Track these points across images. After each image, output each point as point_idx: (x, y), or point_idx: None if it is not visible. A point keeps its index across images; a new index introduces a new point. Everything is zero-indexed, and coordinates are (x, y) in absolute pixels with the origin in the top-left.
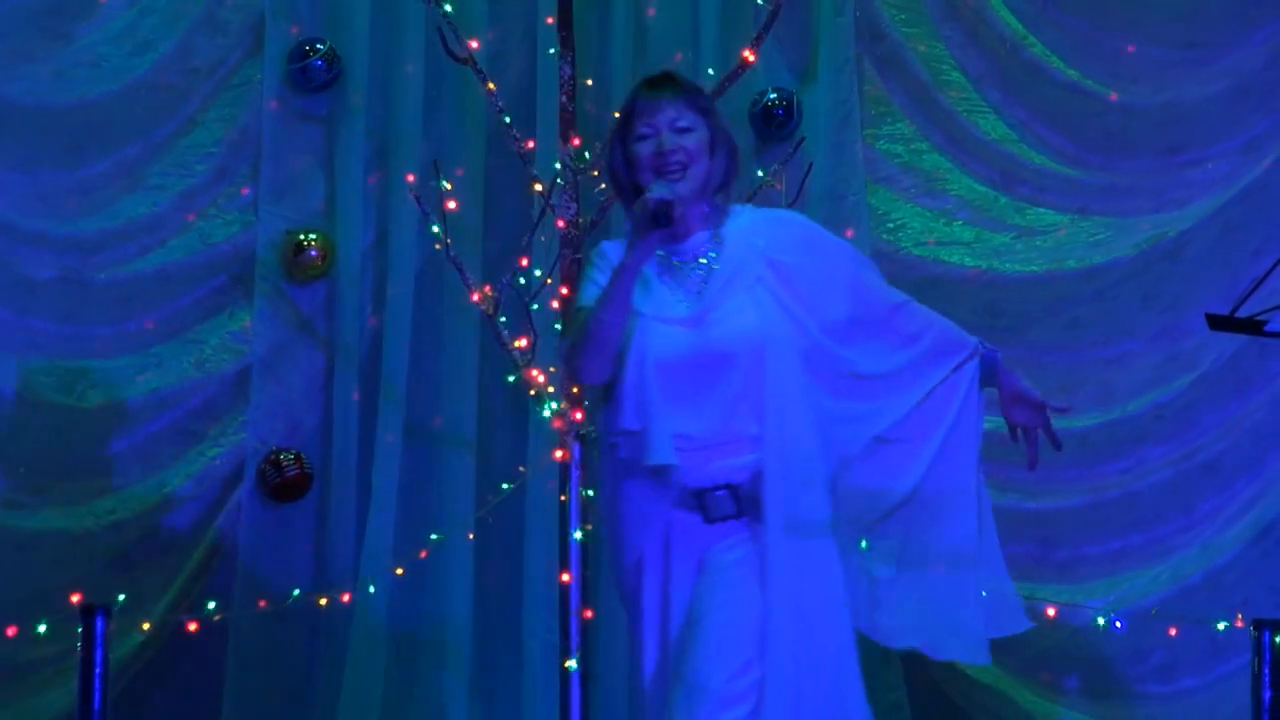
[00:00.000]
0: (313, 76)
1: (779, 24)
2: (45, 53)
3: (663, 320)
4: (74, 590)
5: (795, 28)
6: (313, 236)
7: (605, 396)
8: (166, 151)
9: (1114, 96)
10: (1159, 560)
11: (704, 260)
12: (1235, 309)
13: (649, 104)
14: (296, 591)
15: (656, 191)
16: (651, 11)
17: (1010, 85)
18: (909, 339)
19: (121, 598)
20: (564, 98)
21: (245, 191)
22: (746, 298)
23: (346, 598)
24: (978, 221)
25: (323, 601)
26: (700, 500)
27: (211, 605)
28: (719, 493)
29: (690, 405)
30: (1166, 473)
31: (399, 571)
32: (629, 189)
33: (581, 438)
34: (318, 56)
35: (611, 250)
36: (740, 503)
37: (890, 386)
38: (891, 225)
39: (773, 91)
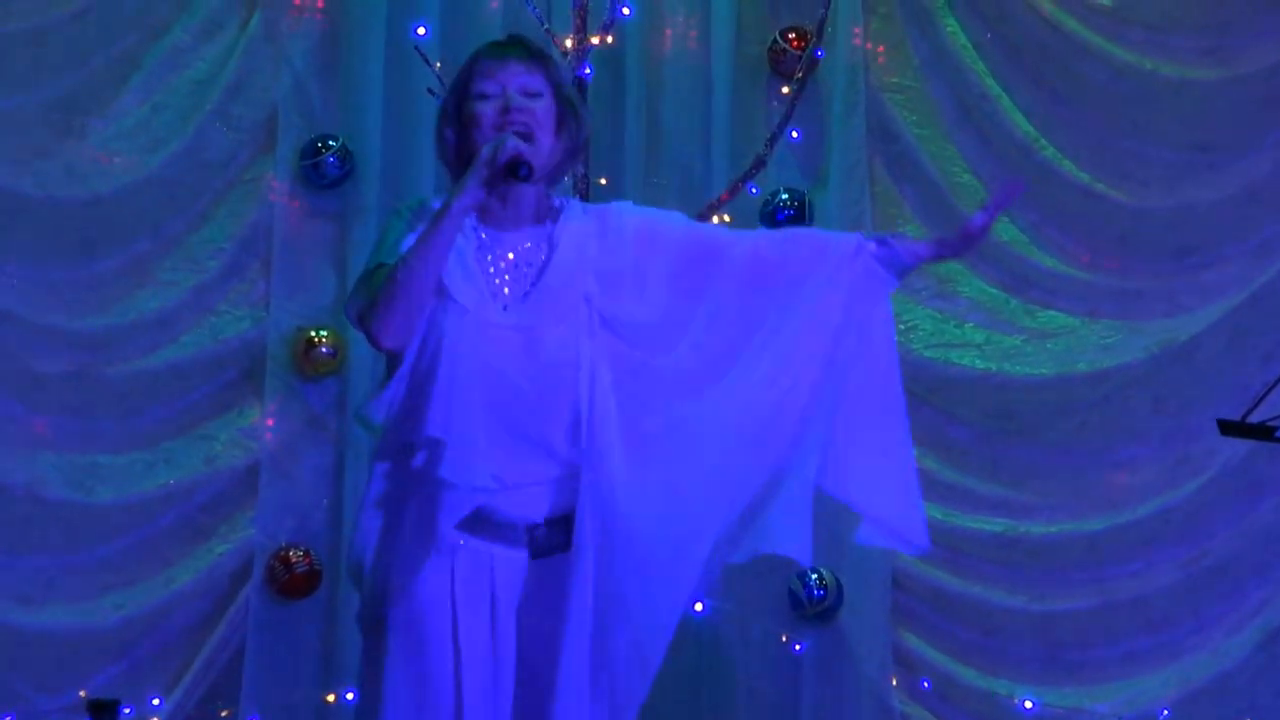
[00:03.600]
0: (325, 173)
1: (791, 124)
2: (57, 147)
3: (480, 319)
4: (81, 686)
5: (807, 128)
6: (324, 333)
7: (392, 390)
8: (178, 247)
9: (1125, 202)
10: (1168, 663)
11: (530, 260)
12: (1246, 415)
13: (494, 61)
14: (305, 689)
15: (515, 141)
16: (664, 110)
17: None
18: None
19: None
20: (577, 196)
21: (257, 287)
22: (573, 314)
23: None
24: (989, 324)
25: (329, 698)
26: (531, 533)
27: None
28: (544, 526)
29: (510, 422)
30: (1176, 576)
31: None
32: (457, 157)
33: None
34: (330, 153)
35: (423, 210)
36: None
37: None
38: (903, 327)
39: (784, 192)
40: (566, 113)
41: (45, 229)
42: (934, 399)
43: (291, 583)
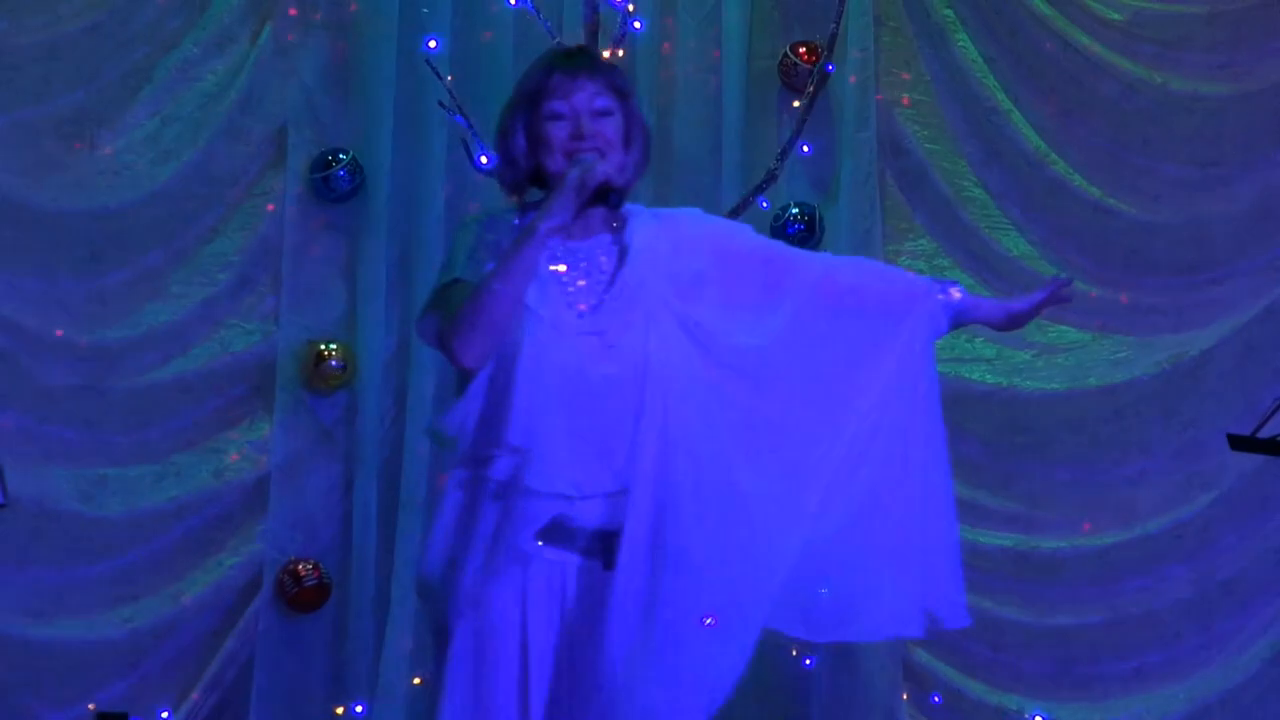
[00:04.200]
0: (335, 186)
1: (801, 138)
2: (68, 160)
3: (558, 327)
4: (90, 699)
5: (817, 142)
6: (334, 346)
7: (469, 402)
8: (188, 260)
9: (1135, 217)
10: (1177, 679)
11: (605, 269)
12: (1257, 429)
13: (565, 80)
14: (315, 702)
15: (604, 166)
16: (675, 123)
17: (1032, 203)
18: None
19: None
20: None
21: (266, 301)
22: (647, 320)
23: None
24: (999, 339)
25: (339, 711)
26: (606, 543)
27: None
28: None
29: (589, 430)
30: (1186, 591)
31: (417, 681)
32: (524, 176)
33: None
34: (340, 166)
35: (492, 223)
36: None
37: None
38: None
39: (795, 206)
40: (634, 125)
41: (55, 241)
42: (945, 414)
43: (301, 596)
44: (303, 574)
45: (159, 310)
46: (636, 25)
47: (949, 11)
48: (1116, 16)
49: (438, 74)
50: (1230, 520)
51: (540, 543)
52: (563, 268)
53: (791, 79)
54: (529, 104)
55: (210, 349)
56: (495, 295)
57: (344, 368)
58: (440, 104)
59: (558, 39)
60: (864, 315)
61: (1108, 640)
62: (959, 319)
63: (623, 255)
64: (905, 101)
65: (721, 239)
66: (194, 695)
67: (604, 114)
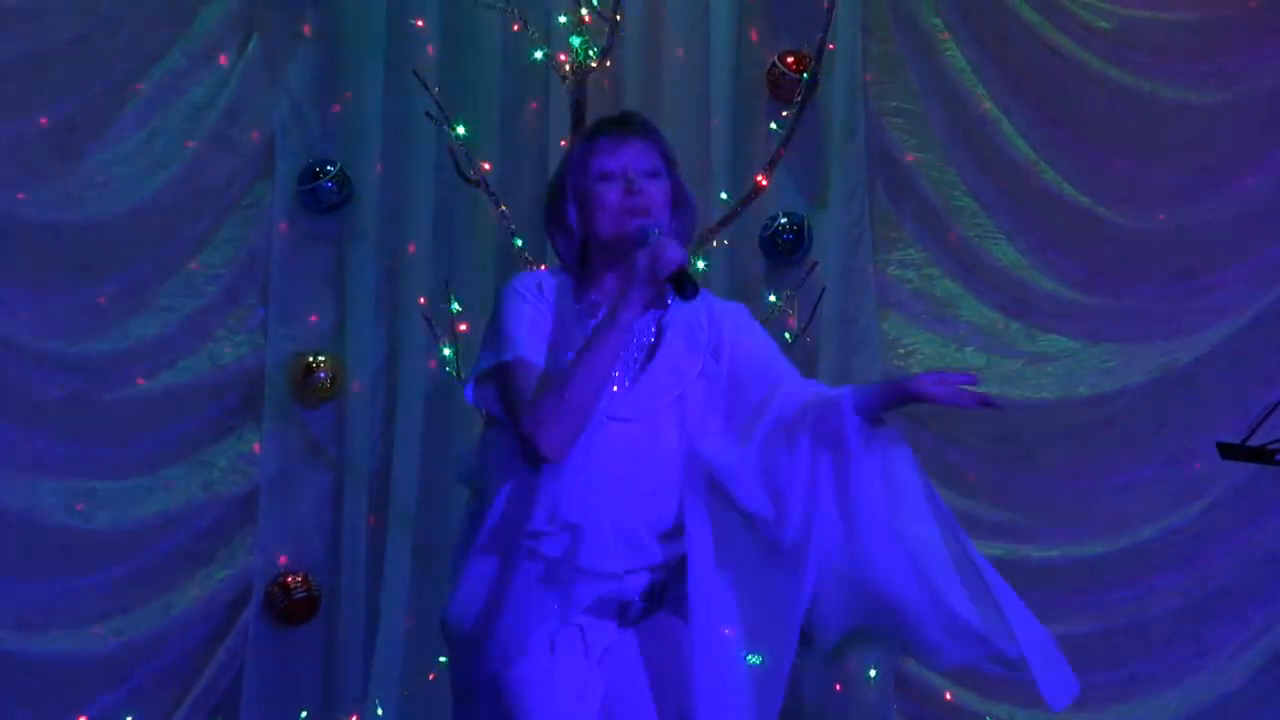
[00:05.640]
0: (323, 198)
1: (790, 148)
2: (56, 172)
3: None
4: (80, 712)
5: (807, 152)
6: (322, 358)
7: (508, 472)
8: (176, 272)
9: (1125, 225)
10: (1169, 687)
11: (642, 348)
12: (1246, 438)
13: (614, 141)
14: (305, 715)
15: (675, 250)
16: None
17: (1021, 211)
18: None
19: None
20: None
21: (255, 313)
22: (679, 398)
23: None
24: (989, 348)
25: None
26: (623, 606)
27: None
28: (639, 600)
29: (625, 502)
30: (1177, 600)
31: (407, 693)
32: (575, 238)
33: None
34: (328, 178)
35: (532, 284)
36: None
37: None
38: (902, 351)
39: (783, 216)
40: (682, 192)
41: (43, 254)
42: (935, 423)
43: (290, 609)
44: (292, 586)
45: (147, 322)
46: (624, 35)
47: (937, 21)
48: (1105, 25)
49: (425, 85)
50: (1221, 529)
51: (575, 612)
52: None
53: (780, 89)
54: (577, 167)
55: (199, 361)
56: (583, 391)
57: (332, 380)
58: (427, 114)
59: (546, 50)
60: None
61: (1099, 649)
62: (875, 408)
63: (660, 334)
64: (894, 111)
65: (753, 353)
66: (184, 708)
67: (652, 175)
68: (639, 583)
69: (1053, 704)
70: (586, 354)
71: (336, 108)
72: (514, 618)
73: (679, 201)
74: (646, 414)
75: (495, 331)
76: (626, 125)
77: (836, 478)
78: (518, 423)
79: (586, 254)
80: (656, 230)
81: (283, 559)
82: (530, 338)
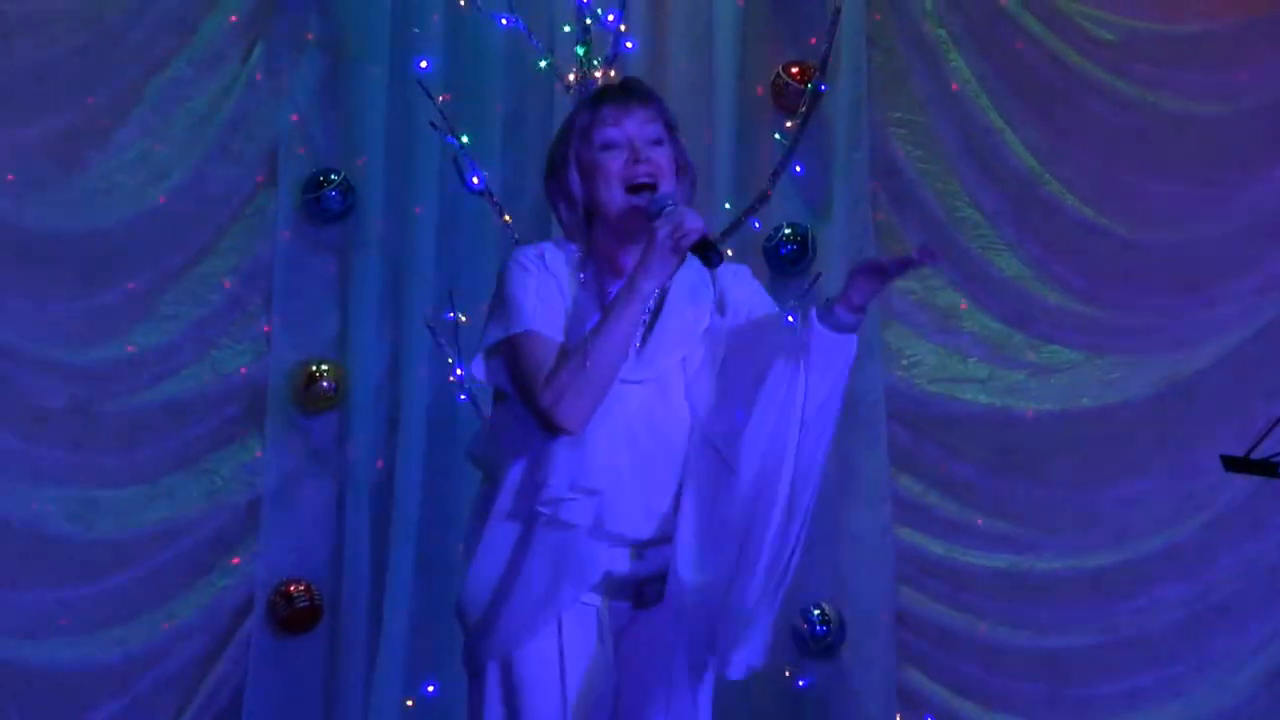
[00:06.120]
0: (327, 207)
1: (794, 159)
2: (58, 180)
3: None
4: None
5: (811, 163)
6: (325, 367)
7: (522, 438)
8: (179, 280)
9: (1129, 237)
10: (1171, 700)
11: (648, 310)
12: (1250, 451)
13: (618, 109)
14: None
15: (695, 219)
16: None
17: (1025, 222)
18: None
19: None
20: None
21: (258, 321)
22: (683, 361)
23: None
24: (992, 359)
25: None
26: (639, 586)
27: None
28: (656, 581)
29: (641, 464)
30: (1180, 612)
31: (409, 704)
32: (579, 208)
33: None
34: (332, 187)
35: (535, 255)
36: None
37: None
38: (905, 362)
39: (787, 226)
40: (683, 156)
41: (46, 262)
42: (937, 434)
43: (293, 618)
44: (294, 595)
45: (150, 331)
46: (628, 45)
47: (941, 31)
48: (1109, 36)
49: (429, 94)
50: (1224, 542)
51: (595, 591)
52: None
53: (783, 99)
54: (580, 137)
55: (201, 370)
56: (604, 362)
57: (336, 388)
58: (432, 124)
59: (549, 59)
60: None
61: (1101, 661)
62: (841, 321)
63: (663, 297)
64: (898, 121)
65: (755, 312)
66: (186, 717)
67: (657, 142)
68: (657, 559)
69: (731, 673)
70: (605, 325)
71: (340, 116)
72: (524, 597)
73: (681, 167)
74: (655, 374)
75: (501, 304)
76: (630, 93)
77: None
78: (534, 396)
79: (589, 223)
80: (671, 201)
81: (285, 568)
82: (539, 309)
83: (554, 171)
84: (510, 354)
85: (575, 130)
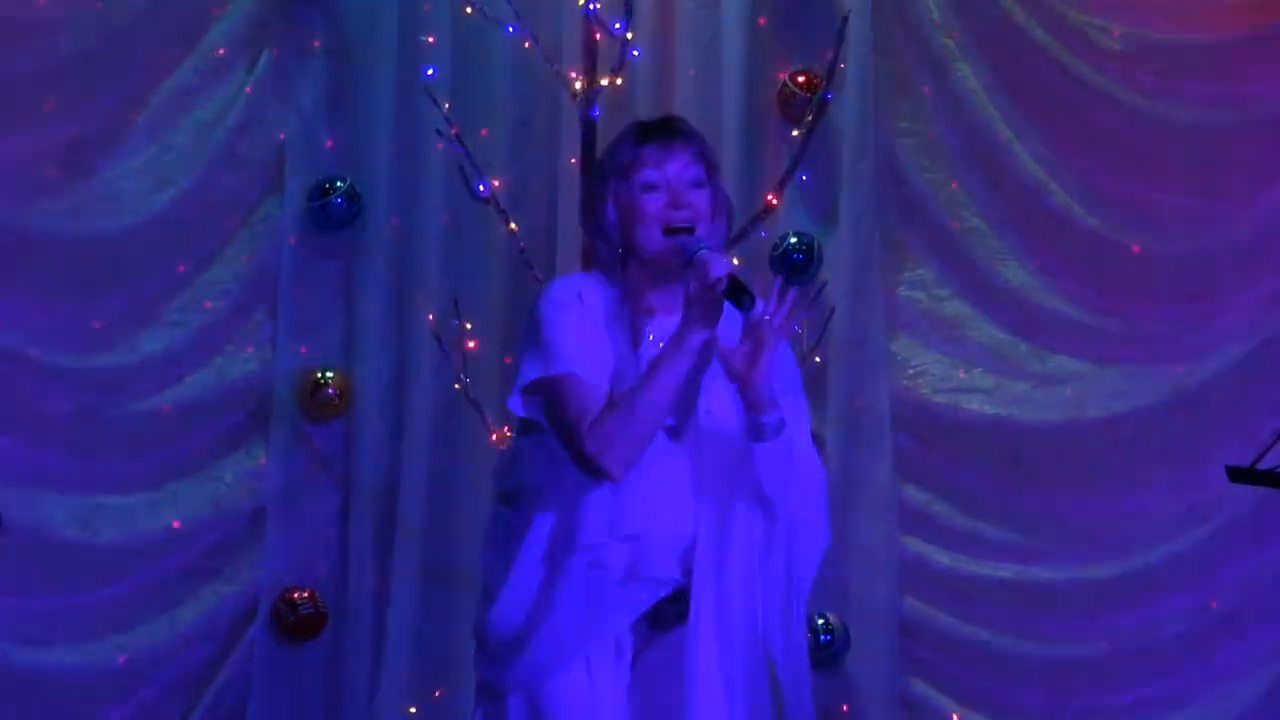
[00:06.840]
0: (332, 214)
1: (800, 168)
2: (65, 187)
3: None
4: None
5: (817, 172)
6: (330, 374)
7: (548, 470)
8: (184, 287)
9: (1135, 248)
10: (1176, 711)
11: None
12: (1255, 462)
13: (660, 150)
14: None
15: (720, 265)
16: None
17: (1032, 232)
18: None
19: None
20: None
21: (263, 328)
22: (723, 402)
23: None
24: (998, 369)
25: None
26: (657, 608)
27: None
28: (671, 603)
29: (673, 509)
30: (1185, 623)
31: (412, 710)
32: (615, 246)
33: None
34: (338, 194)
35: (572, 292)
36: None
37: None
38: (911, 372)
39: (794, 235)
40: (721, 196)
41: (52, 268)
42: (943, 444)
43: (297, 625)
44: (299, 602)
45: (155, 337)
46: (635, 53)
47: (949, 41)
48: (1117, 46)
49: (435, 101)
50: (1229, 552)
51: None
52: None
53: (790, 108)
54: (620, 175)
55: (207, 377)
56: (650, 415)
57: (341, 396)
58: (438, 132)
59: (556, 67)
60: None
61: (1106, 671)
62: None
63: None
64: (905, 131)
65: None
66: None
67: (697, 184)
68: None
69: None
70: (652, 378)
71: (347, 124)
72: (554, 634)
73: (718, 208)
74: (686, 419)
75: (538, 343)
76: (673, 133)
77: None
78: (578, 441)
79: (626, 259)
80: (701, 247)
81: (289, 575)
82: (579, 352)
83: (591, 209)
84: (549, 394)
85: (615, 168)
